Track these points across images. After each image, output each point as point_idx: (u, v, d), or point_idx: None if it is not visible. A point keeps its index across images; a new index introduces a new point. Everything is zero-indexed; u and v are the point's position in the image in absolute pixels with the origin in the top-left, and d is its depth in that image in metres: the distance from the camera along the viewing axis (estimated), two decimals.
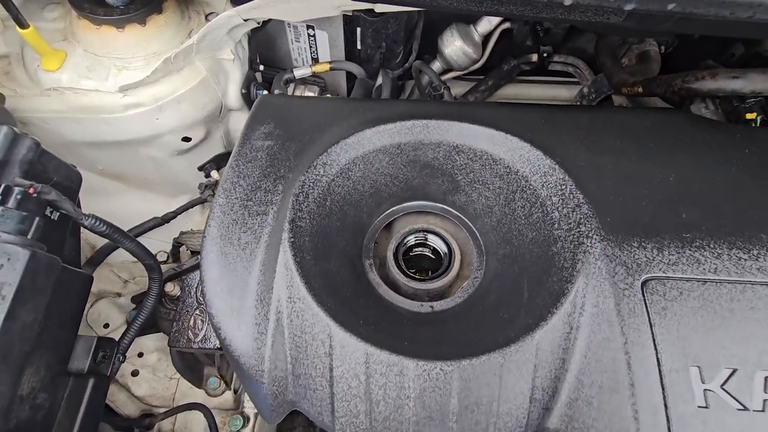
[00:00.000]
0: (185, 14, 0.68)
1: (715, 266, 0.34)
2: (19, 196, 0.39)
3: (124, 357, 0.63)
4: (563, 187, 0.40)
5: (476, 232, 0.51)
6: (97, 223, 0.45)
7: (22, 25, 0.54)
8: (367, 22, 0.74)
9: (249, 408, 0.83)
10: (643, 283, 0.33)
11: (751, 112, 0.55)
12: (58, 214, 0.46)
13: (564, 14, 0.42)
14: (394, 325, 0.40)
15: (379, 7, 0.60)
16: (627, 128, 0.48)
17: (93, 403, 0.54)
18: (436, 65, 0.89)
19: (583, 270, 0.35)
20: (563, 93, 1.04)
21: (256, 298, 0.37)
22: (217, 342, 0.58)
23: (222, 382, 0.83)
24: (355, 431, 0.33)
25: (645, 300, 0.32)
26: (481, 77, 0.98)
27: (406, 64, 0.83)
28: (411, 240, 0.52)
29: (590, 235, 0.36)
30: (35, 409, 0.48)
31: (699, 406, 0.29)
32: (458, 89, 1.02)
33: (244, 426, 0.81)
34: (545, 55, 0.96)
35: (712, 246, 0.35)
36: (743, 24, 0.37)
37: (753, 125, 0.55)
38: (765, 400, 0.29)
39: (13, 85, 0.62)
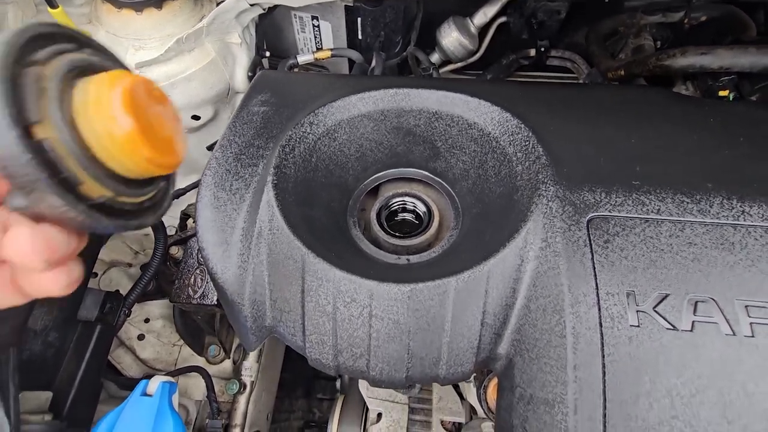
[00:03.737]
0: (198, 1, 0.74)
1: (658, 207, 0.36)
2: None
3: (129, 311, 0.68)
4: (527, 143, 0.43)
5: (454, 195, 0.54)
6: None
7: (53, 5, 0.61)
8: (367, 11, 0.79)
9: (246, 376, 0.87)
10: (589, 221, 0.36)
11: (724, 89, 0.57)
12: None
13: None
14: (369, 268, 0.44)
15: None
16: (599, 101, 0.51)
17: (99, 347, 0.59)
18: (435, 57, 0.94)
19: (536, 210, 0.38)
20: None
21: (241, 234, 0.41)
22: (215, 299, 0.63)
23: (222, 350, 0.88)
24: (322, 348, 0.37)
25: (589, 234, 0.35)
26: (480, 72, 1.02)
27: (404, 53, 0.87)
28: (394, 204, 0.55)
29: (545, 181, 0.39)
30: (46, 346, 0.53)
31: (631, 325, 0.32)
32: None
33: (240, 392, 0.84)
34: (542, 49, 0.99)
35: (658, 191, 0.38)
36: None
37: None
38: (693, 321, 0.32)
39: None
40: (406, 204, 0.54)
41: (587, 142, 0.44)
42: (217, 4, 0.76)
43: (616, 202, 0.37)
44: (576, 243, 0.35)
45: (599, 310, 0.32)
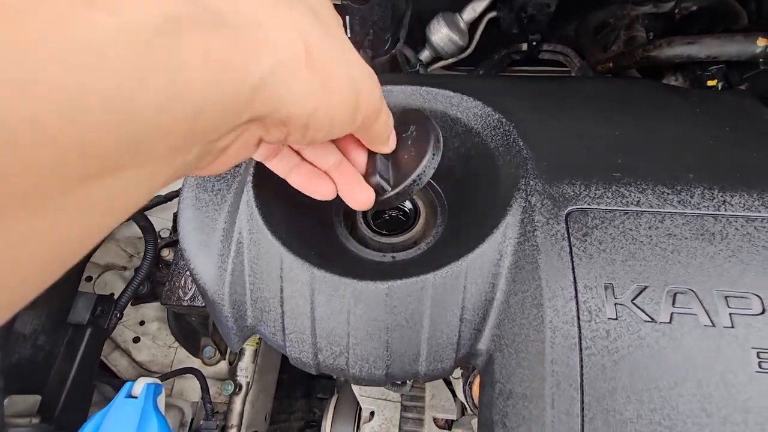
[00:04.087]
0: None
1: (638, 199, 0.36)
2: None
3: (121, 314, 0.69)
4: (508, 137, 0.43)
5: (440, 191, 0.54)
6: None
7: None
8: (354, 10, 0.79)
9: (242, 377, 0.87)
10: (568, 214, 0.36)
11: (713, 79, 0.56)
12: None
13: None
14: (352, 265, 0.44)
15: None
16: (584, 93, 0.51)
17: (90, 350, 0.59)
18: (425, 53, 0.93)
19: (515, 204, 0.37)
20: None
21: (221, 234, 0.41)
22: None
23: (217, 351, 0.88)
24: (301, 347, 0.37)
25: (568, 228, 0.35)
26: (472, 68, 1.02)
27: (393, 50, 0.87)
28: None
29: (525, 175, 0.39)
30: (36, 349, 0.53)
31: (609, 318, 0.31)
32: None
33: (236, 393, 0.84)
34: (534, 43, 0.99)
35: (638, 183, 0.37)
36: None
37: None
38: (672, 313, 0.31)
39: None
40: None
41: (569, 134, 0.43)
42: None
43: (595, 194, 0.37)
44: (554, 236, 0.35)
45: (577, 303, 0.32)
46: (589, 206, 0.36)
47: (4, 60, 0.12)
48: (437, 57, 0.94)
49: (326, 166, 0.33)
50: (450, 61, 0.95)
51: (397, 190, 0.34)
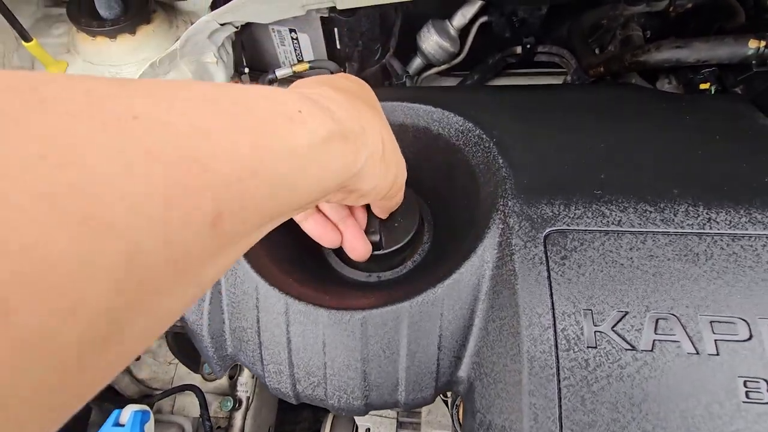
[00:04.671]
0: (173, 23, 0.75)
1: (620, 218, 0.35)
2: None
3: None
4: (488, 154, 0.42)
5: (428, 208, 0.53)
6: None
7: (26, 38, 0.62)
8: (342, 22, 0.79)
9: (242, 392, 0.87)
10: (546, 236, 0.35)
11: (705, 82, 0.55)
12: None
13: None
14: (335, 287, 0.43)
15: (341, 4, 0.64)
16: (571, 103, 0.50)
17: None
18: (417, 62, 0.93)
19: (493, 226, 0.36)
20: (551, 83, 1.04)
21: None
22: None
23: None
24: (279, 377, 0.36)
25: (546, 251, 0.34)
26: (467, 72, 1.01)
27: (383, 60, 0.86)
28: None
29: (504, 194, 0.38)
30: None
31: (588, 347, 0.30)
32: (447, 84, 1.04)
33: (236, 408, 0.85)
34: (528, 46, 0.97)
35: (620, 201, 0.36)
36: None
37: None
38: (654, 341, 0.30)
39: None
40: None
41: (552, 148, 0.42)
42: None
43: (575, 214, 0.36)
44: (532, 261, 0.34)
45: (555, 331, 0.31)
46: (568, 227, 0.35)
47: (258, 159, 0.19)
48: (429, 64, 0.93)
49: (336, 218, 0.39)
50: (443, 67, 0.94)
51: (390, 249, 0.43)
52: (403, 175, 0.36)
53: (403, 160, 0.35)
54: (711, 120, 0.45)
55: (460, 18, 0.87)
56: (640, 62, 0.54)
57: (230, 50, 0.77)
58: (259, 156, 0.18)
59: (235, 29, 0.71)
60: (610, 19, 0.83)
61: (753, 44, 0.49)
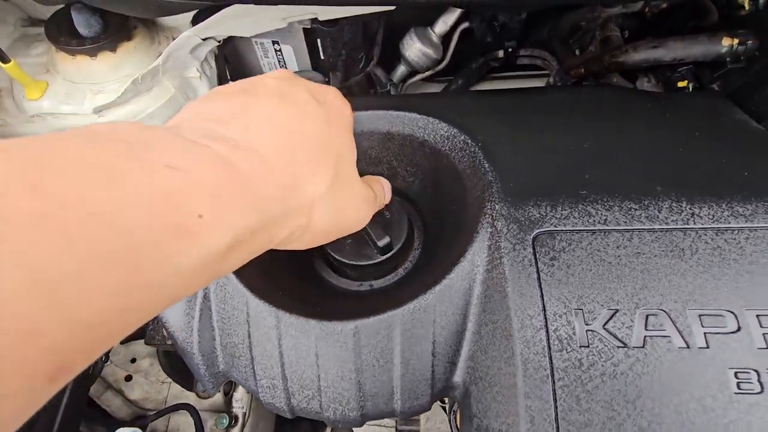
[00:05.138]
0: (155, 39, 0.75)
1: (605, 217, 0.35)
2: None
3: (107, 357, 0.68)
4: (474, 158, 0.42)
5: (416, 213, 0.53)
6: None
7: (4, 60, 0.61)
8: (324, 32, 0.79)
9: (237, 408, 0.86)
10: (534, 238, 0.35)
11: (683, 80, 0.56)
12: None
13: None
14: (327, 298, 0.43)
15: (322, 15, 0.64)
16: (553, 105, 0.50)
17: (75, 396, 0.58)
18: (401, 69, 0.93)
19: (482, 230, 0.37)
20: (535, 85, 1.06)
21: None
22: None
23: None
24: (273, 392, 0.36)
25: (535, 252, 0.34)
26: (452, 78, 1.02)
27: (368, 69, 0.87)
28: None
29: (490, 198, 0.38)
30: None
31: (581, 346, 0.30)
32: (432, 90, 1.05)
33: (231, 425, 0.83)
34: (510, 50, 0.98)
35: (605, 200, 0.36)
36: None
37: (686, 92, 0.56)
38: (645, 337, 0.30)
39: (3, 116, 0.69)
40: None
41: (537, 151, 0.43)
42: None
43: (562, 215, 0.36)
44: (521, 263, 0.34)
45: (547, 332, 0.31)
46: (555, 228, 0.35)
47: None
48: (413, 71, 0.94)
49: None
50: (427, 73, 0.95)
51: (380, 258, 0.44)
52: (386, 190, 0.36)
53: (365, 195, 0.34)
54: (689, 118, 0.46)
55: (442, 25, 0.88)
56: (618, 63, 0.55)
57: (213, 64, 0.77)
58: (126, 293, 0.15)
59: (218, 43, 0.71)
60: (588, 21, 0.85)
61: (726, 42, 0.50)
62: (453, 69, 0.97)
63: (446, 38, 0.92)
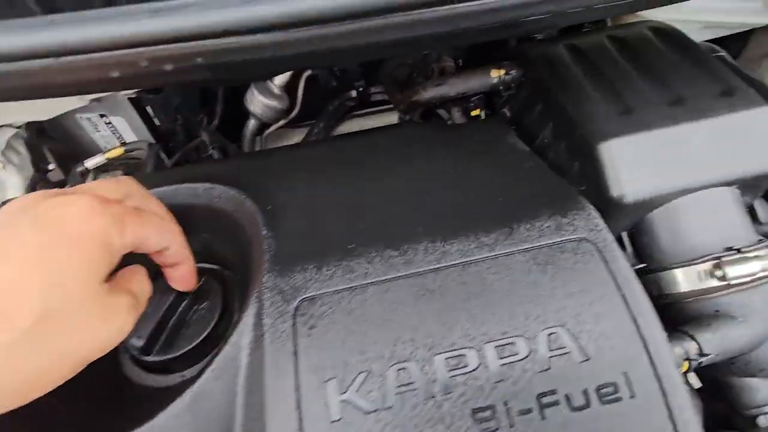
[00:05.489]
0: None
1: (366, 270, 0.35)
2: None
3: None
4: (254, 223, 0.41)
5: (233, 284, 0.50)
6: None
7: None
8: (150, 99, 0.76)
9: None
10: (297, 307, 0.34)
11: (475, 109, 0.60)
12: None
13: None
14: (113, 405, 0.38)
15: (41, 115, 0.62)
16: (343, 153, 0.51)
17: None
18: (252, 123, 0.92)
19: (249, 307, 0.35)
20: (396, 119, 1.10)
21: None
22: None
23: None
24: None
25: (294, 324, 0.33)
26: (313, 122, 1.03)
27: (212, 126, 0.85)
28: None
29: (261, 269, 0.36)
30: None
31: (332, 421, 0.29)
32: (298, 137, 1.06)
33: None
34: (361, 89, 1.02)
35: (369, 251, 0.36)
36: None
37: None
38: (396, 394, 0.30)
39: None
40: None
41: (319, 207, 0.42)
42: None
43: (326, 275, 0.35)
44: (280, 338, 0.32)
45: (299, 411, 0.29)
46: (318, 292, 0.34)
47: None
48: (264, 124, 0.93)
49: None
50: (281, 123, 0.95)
51: (179, 352, 0.39)
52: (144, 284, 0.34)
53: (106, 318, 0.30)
54: (466, 148, 0.49)
55: (281, 77, 0.89)
56: (415, 102, 0.58)
57: (22, 150, 0.70)
58: None
59: (17, 129, 0.65)
60: (416, 58, 0.90)
61: (495, 74, 0.54)
62: (313, 113, 0.98)
63: (292, 87, 0.93)
